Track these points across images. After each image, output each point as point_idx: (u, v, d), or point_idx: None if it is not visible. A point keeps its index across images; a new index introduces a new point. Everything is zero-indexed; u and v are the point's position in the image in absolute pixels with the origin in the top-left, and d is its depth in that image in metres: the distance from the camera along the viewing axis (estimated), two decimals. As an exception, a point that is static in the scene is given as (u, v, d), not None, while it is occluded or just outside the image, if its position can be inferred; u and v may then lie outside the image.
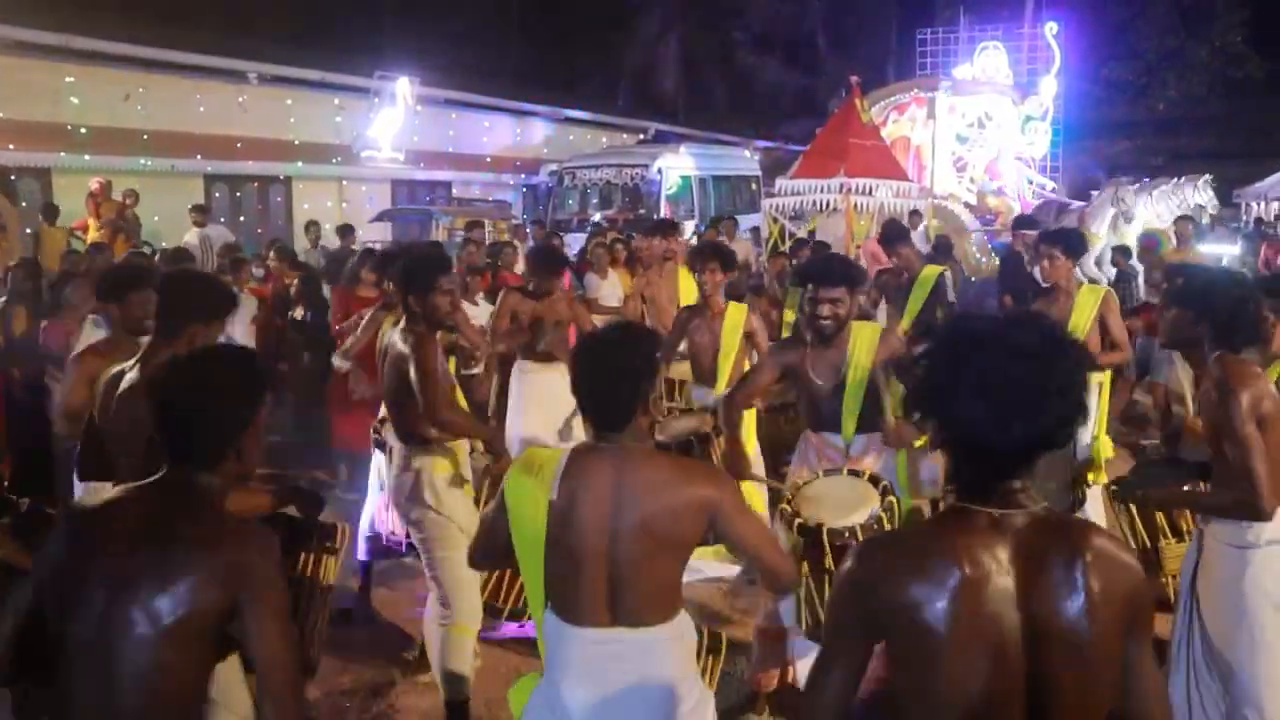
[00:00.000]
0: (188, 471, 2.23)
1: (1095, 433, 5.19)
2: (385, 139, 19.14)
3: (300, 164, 18.28)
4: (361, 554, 5.42)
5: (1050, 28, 22.06)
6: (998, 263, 13.25)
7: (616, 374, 2.51)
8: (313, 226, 13.60)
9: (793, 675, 4.19)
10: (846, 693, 1.77)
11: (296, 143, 18.17)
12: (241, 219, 17.58)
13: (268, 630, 2.11)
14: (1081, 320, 5.36)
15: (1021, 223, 10.60)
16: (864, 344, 4.25)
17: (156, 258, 9.32)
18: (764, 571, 2.59)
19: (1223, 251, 13.05)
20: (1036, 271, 6.04)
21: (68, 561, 2.16)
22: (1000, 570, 1.66)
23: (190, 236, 12.51)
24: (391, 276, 5.85)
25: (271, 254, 9.79)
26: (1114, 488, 4.50)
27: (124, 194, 13.18)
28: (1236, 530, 3.25)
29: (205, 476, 2.24)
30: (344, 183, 19.39)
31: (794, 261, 8.70)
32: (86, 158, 14.71)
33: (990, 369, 1.65)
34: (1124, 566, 1.72)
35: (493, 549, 2.70)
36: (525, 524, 2.51)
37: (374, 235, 15.34)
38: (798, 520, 3.58)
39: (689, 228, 15.07)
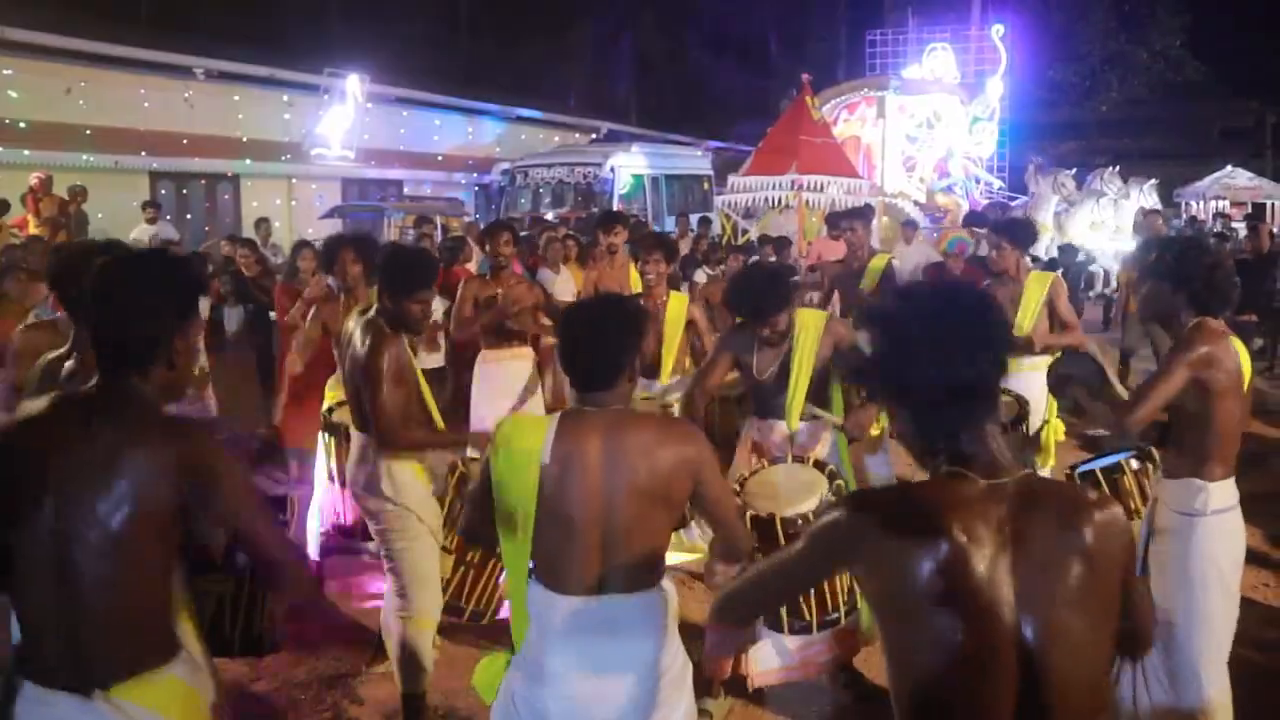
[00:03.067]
0: (120, 377, 2.22)
1: (1045, 416, 5.29)
2: (335, 137, 18.95)
3: (249, 161, 18.05)
4: (313, 550, 5.36)
5: (997, 30, 22.40)
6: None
7: (605, 333, 2.52)
8: (262, 224, 13.45)
9: (745, 663, 4.19)
10: (788, 577, 1.91)
11: (245, 140, 17.95)
12: (188, 217, 17.33)
13: (242, 507, 2.19)
14: (1030, 305, 5.46)
15: (971, 219, 10.76)
16: (809, 332, 4.27)
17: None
18: (726, 536, 2.65)
19: None
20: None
21: (10, 473, 2.14)
22: (994, 534, 1.67)
23: (138, 233, 12.30)
24: (342, 263, 5.79)
25: (235, 245, 9.66)
26: (1069, 471, 4.57)
27: (72, 191, 12.92)
28: (1186, 498, 3.33)
29: (137, 381, 2.22)
30: (293, 181, 19.18)
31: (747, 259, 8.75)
32: (26, 153, 14.40)
33: (941, 316, 1.76)
34: (1114, 523, 1.75)
35: (484, 523, 2.64)
36: (514, 492, 2.48)
37: (325, 233, 15.14)
38: (750, 512, 3.60)
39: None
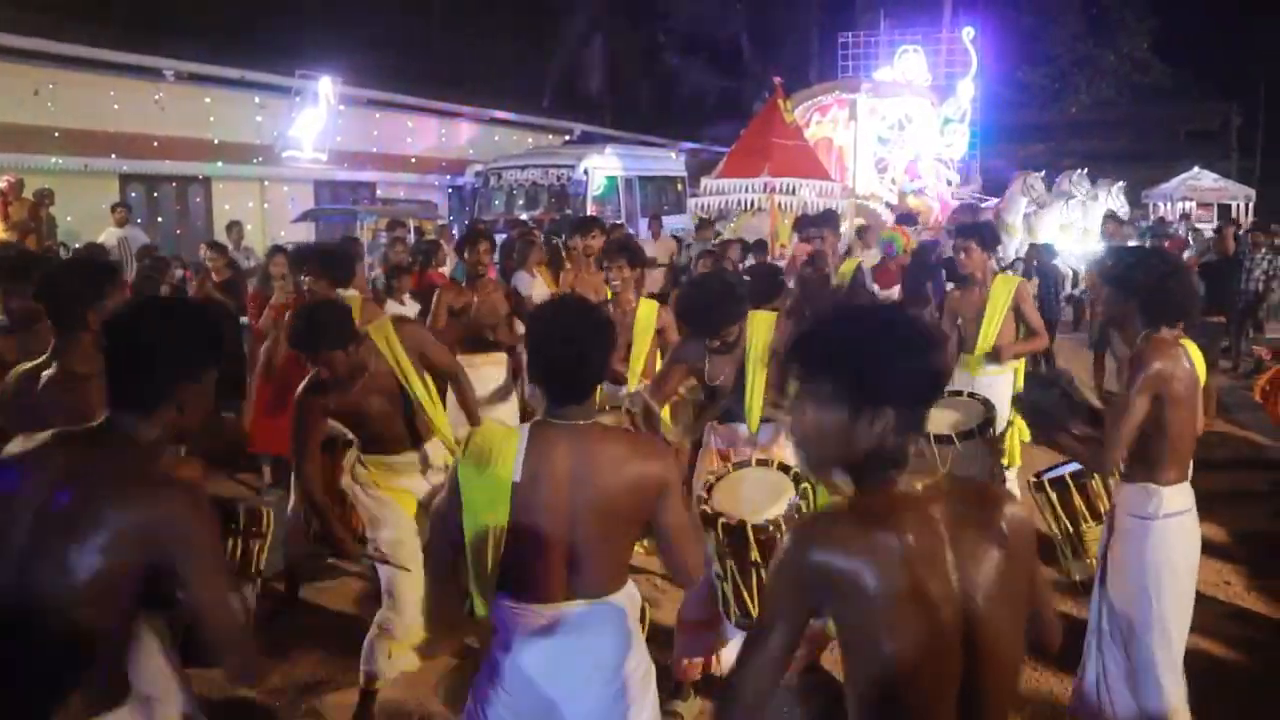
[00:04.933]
0: (125, 418, 2.18)
1: (1010, 417, 5.37)
2: (307, 139, 18.87)
3: (220, 164, 17.93)
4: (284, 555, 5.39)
5: (967, 32, 22.55)
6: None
7: (580, 345, 2.48)
8: (234, 227, 13.36)
9: (717, 664, 4.23)
10: (781, 659, 1.83)
11: (216, 142, 17.84)
12: (159, 220, 17.19)
13: (206, 583, 2.10)
14: (996, 308, 5.53)
15: (902, 219, 10.71)
16: (761, 333, 4.29)
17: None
18: (675, 560, 2.59)
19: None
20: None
21: None
22: (936, 533, 1.77)
23: (106, 237, 12.19)
24: (310, 273, 5.79)
25: (208, 250, 9.61)
26: (1033, 480, 4.65)
27: (38, 194, 12.80)
28: (1140, 502, 3.40)
29: (143, 424, 2.18)
30: (265, 183, 19.06)
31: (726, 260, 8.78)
32: (-7, 156, 14.26)
33: (883, 329, 1.86)
34: (1021, 518, 1.88)
35: (450, 540, 2.62)
36: (482, 507, 2.47)
37: (298, 236, 15.12)
38: (721, 519, 3.64)
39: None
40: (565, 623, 2.46)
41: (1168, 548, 3.39)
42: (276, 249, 8.08)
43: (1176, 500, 3.40)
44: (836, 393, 1.81)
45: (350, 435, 4.33)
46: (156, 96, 16.88)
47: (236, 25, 23.06)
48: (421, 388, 4.18)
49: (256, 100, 18.79)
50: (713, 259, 8.57)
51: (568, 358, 2.48)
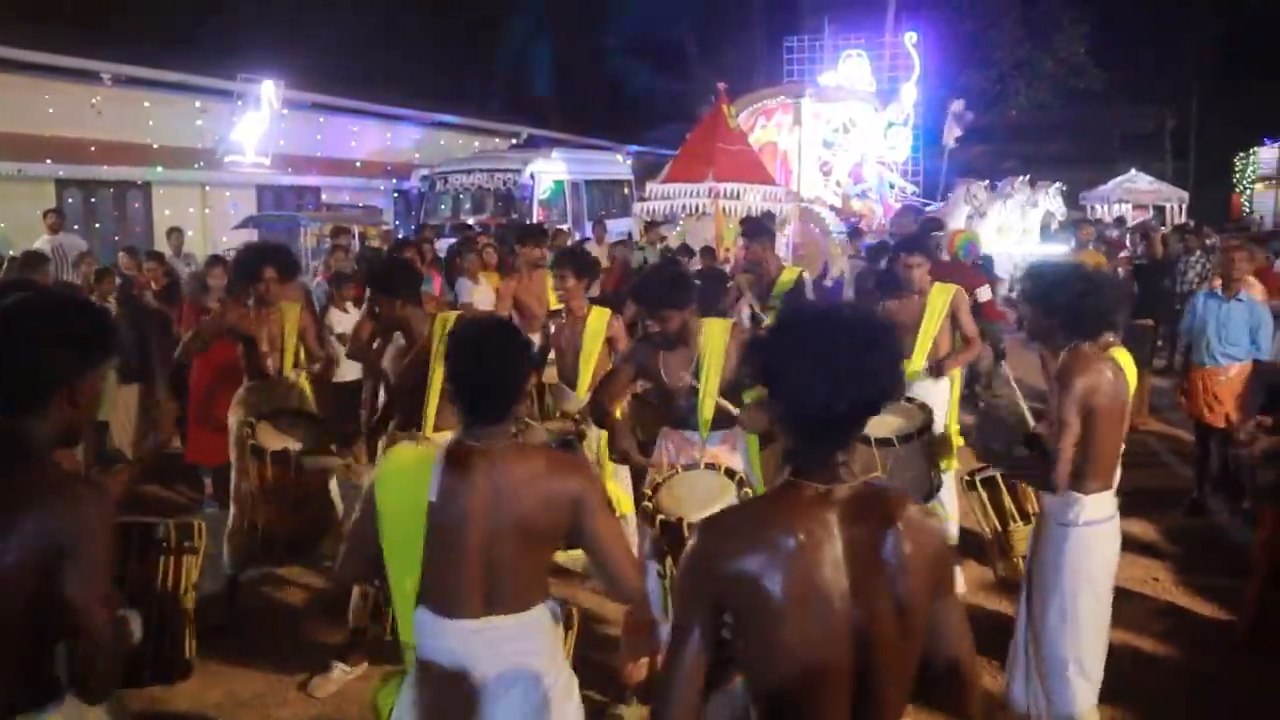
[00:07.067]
0: (14, 420, 2.16)
1: (947, 422, 5.47)
2: (250, 143, 18.61)
3: (160, 169, 17.64)
4: (228, 566, 5.36)
5: (910, 37, 22.87)
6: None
7: (499, 368, 2.52)
8: (174, 233, 13.16)
9: (660, 665, 4.27)
10: (701, 665, 1.86)
11: (155, 146, 17.54)
12: (97, 225, 16.86)
13: (86, 583, 2.06)
14: (933, 317, 5.61)
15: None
16: (715, 341, 4.33)
17: (3, 266, 8.93)
18: (609, 576, 2.60)
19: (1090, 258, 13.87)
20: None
21: None
22: (829, 538, 1.80)
23: (41, 244, 11.94)
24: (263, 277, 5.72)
25: (135, 259, 9.44)
26: (968, 479, 4.79)
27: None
28: (1062, 509, 3.51)
29: (33, 423, 2.16)
30: (207, 188, 18.79)
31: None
32: (-76, 162, 13.93)
33: (824, 345, 1.83)
34: (931, 532, 1.90)
35: (366, 558, 2.66)
36: (400, 523, 2.52)
37: (240, 242, 14.92)
38: (660, 516, 3.69)
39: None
40: (484, 636, 2.49)
41: (1085, 554, 3.49)
42: (216, 259, 7.99)
43: (1097, 508, 3.50)
44: (768, 395, 1.92)
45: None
46: (94, 100, 16.55)
47: (176, 27, 22.72)
48: None
49: (197, 104, 18.50)
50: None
51: (483, 380, 2.52)
